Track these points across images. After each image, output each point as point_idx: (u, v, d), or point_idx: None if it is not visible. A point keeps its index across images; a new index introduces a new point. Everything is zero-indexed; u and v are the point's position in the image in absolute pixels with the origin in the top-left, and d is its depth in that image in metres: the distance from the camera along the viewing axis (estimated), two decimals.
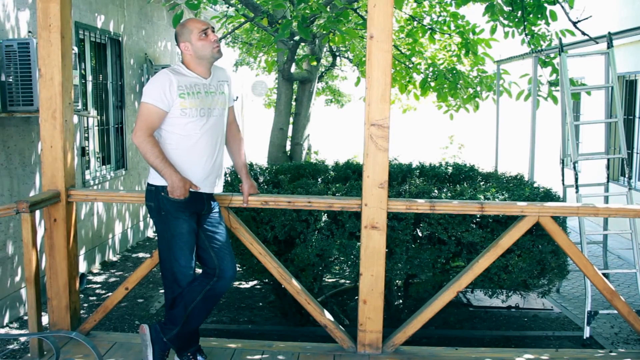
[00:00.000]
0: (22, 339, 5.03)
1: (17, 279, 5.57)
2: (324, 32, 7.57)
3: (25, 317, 5.44)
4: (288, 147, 9.78)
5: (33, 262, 3.83)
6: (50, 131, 3.99)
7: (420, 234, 4.87)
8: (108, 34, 7.56)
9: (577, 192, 5.90)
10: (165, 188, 3.51)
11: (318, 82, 13.09)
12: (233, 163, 4.02)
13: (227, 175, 5.29)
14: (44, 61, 3.94)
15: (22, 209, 3.73)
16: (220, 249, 3.72)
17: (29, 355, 3.94)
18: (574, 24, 6.16)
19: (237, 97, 5.12)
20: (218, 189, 3.76)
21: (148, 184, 3.64)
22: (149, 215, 9.04)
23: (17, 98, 5.29)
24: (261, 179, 5.46)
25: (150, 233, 9.33)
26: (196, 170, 3.59)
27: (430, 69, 8.96)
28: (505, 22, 6.74)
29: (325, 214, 4.89)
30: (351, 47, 11.55)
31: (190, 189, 3.54)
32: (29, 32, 5.67)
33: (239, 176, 4.05)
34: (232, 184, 5.10)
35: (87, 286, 6.64)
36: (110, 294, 5.47)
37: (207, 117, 3.57)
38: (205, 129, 3.57)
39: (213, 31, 3.58)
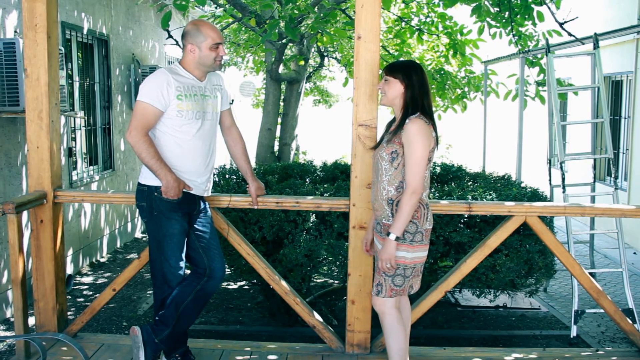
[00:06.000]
0: (8, 340, 4.99)
1: (4, 280, 5.53)
2: (312, 32, 7.57)
3: (12, 319, 5.40)
4: (276, 148, 9.77)
5: (19, 264, 3.80)
6: (36, 132, 3.96)
7: None
8: (95, 34, 7.52)
9: (563, 192, 5.94)
10: (159, 188, 3.50)
11: (306, 83, 13.08)
12: (237, 166, 4.04)
13: (215, 176, 5.28)
14: (30, 61, 3.91)
15: (8, 210, 3.70)
16: (211, 249, 3.72)
17: (15, 357, 3.91)
18: (561, 25, 6.21)
19: (232, 101, 5.11)
20: (208, 191, 3.78)
21: (139, 184, 3.62)
22: (137, 216, 9.03)
23: (3, 98, 5.24)
24: None
25: (138, 234, 9.29)
26: (190, 172, 3.59)
27: None
28: (493, 22, 6.77)
29: (314, 215, 4.89)
30: (339, 48, 11.56)
31: (184, 189, 3.54)
32: (15, 31, 5.63)
33: (245, 178, 4.05)
34: (219, 184, 5.10)
35: (75, 287, 6.60)
36: (97, 295, 5.44)
37: (202, 121, 3.58)
38: (199, 132, 3.57)
39: (223, 45, 3.59)
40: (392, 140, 3.33)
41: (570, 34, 6.28)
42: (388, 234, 3.27)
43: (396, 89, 3.35)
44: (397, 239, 3.26)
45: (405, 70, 3.36)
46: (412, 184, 3.21)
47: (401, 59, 8.55)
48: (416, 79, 3.33)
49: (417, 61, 9.26)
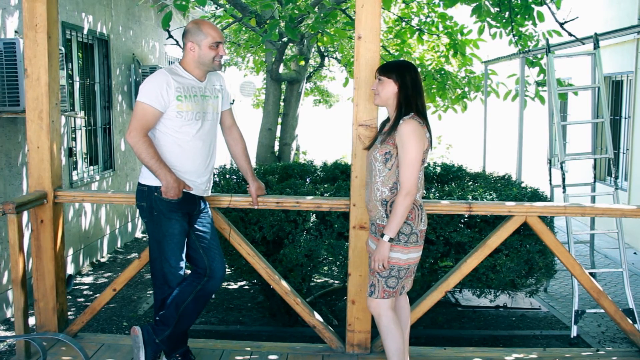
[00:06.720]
0: (9, 340, 4.99)
1: (4, 280, 5.53)
2: (312, 32, 7.57)
3: (12, 319, 5.41)
4: (276, 148, 9.77)
5: (20, 264, 3.80)
6: (36, 132, 3.96)
7: None
8: (95, 34, 7.52)
9: (564, 192, 5.94)
10: (159, 188, 3.50)
11: (306, 83, 13.08)
12: (238, 166, 4.04)
13: (215, 176, 5.28)
14: (31, 61, 3.91)
15: (8, 210, 3.70)
16: (211, 249, 3.72)
17: (16, 357, 3.91)
18: (561, 25, 6.21)
19: (233, 101, 5.11)
20: (208, 192, 3.77)
21: (139, 184, 3.62)
22: (137, 216, 9.03)
23: (3, 98, 5.24)
24: None
25: (139, 234, 9.29)
26: (190, 172, 3.59)
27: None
28: (493, 22, 6.77)
29: (314, 215, 4.89)
30: (340, 48, 11.56)
31: (184, 190, 3.54)
32: (16, 31, 5.63)
33: (245, 178, 4.05)
34: (220, 184, 5.10)
35: (75, 287, 6.60)
36: (98, 295, 5.44)
37: (202, 121, 3.58)
38: (199, 132, 3.57)
39: (223, 45, 3.59)
40: (385, 140, 3.32)
41: (570, 34, 6.28)
42: (382, 235, 3.27)
43: (390, 89, 3.35)
44: (391, 240, 3.26)
45: (398, 70, 3.35)
46: (406, 185, 3.20)
47: (401, 59, 8.56)
48: (410, 79, 3.32)
49: (417, 61, 9.29)
